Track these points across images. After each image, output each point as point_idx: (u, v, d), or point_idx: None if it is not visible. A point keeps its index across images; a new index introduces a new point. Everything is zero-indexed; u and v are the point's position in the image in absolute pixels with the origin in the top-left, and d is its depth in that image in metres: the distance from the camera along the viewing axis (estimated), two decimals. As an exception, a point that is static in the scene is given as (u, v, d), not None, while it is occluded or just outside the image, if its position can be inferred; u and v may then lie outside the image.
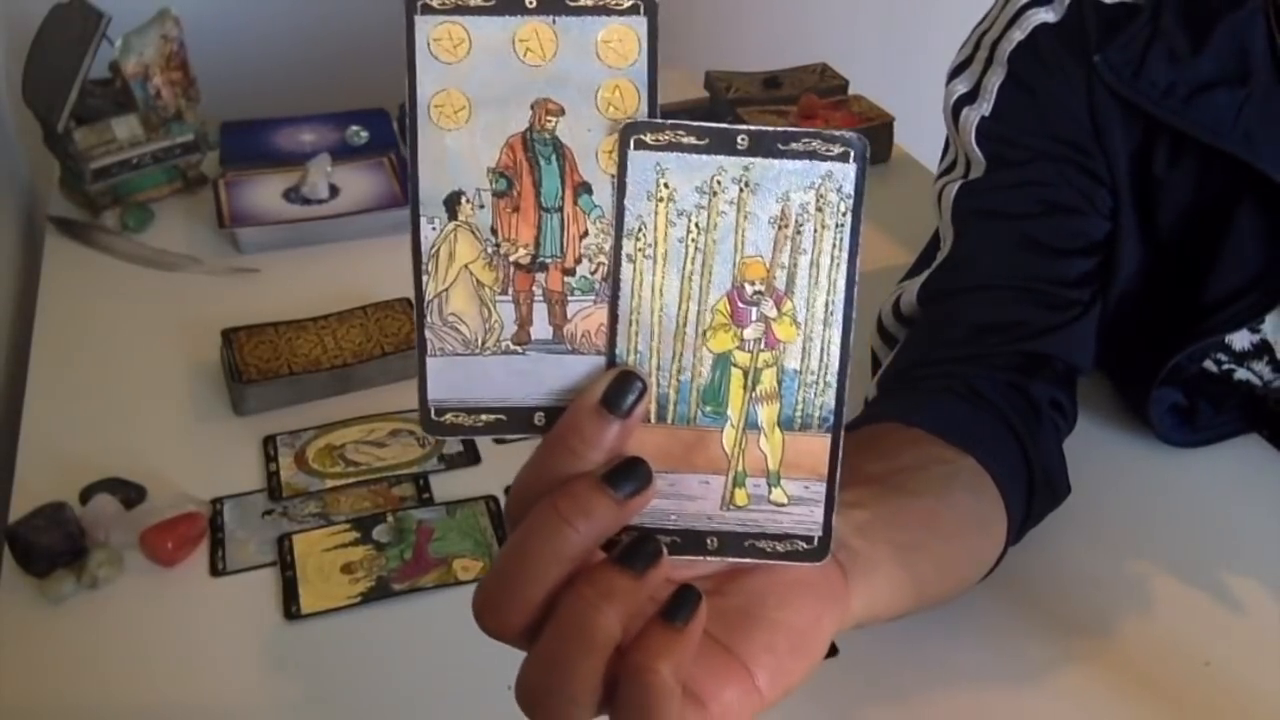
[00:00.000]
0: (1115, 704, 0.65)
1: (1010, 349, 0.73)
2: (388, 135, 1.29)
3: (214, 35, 1.36)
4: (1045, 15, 0.76)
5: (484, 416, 0.41)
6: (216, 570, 0.76)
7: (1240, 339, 0.78)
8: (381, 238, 1.14)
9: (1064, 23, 0.75)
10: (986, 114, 0.77)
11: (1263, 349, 0.77)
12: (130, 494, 0.79)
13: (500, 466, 0.85)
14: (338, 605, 0.73)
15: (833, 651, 0.68)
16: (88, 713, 0.66)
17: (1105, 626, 0.69)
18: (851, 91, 1.38)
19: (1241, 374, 0.80)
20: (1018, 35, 0.76)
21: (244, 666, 0.69)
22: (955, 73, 0.80)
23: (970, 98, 0.78)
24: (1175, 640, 0.69)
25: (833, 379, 0.40)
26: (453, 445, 0.86)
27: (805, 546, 0.42)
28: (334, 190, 1.18)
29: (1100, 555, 0.75)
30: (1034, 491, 0.68)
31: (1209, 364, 0.80)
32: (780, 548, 0.42)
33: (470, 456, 0.86)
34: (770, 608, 0.44)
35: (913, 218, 0.87)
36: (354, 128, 1.28)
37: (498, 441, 0.87)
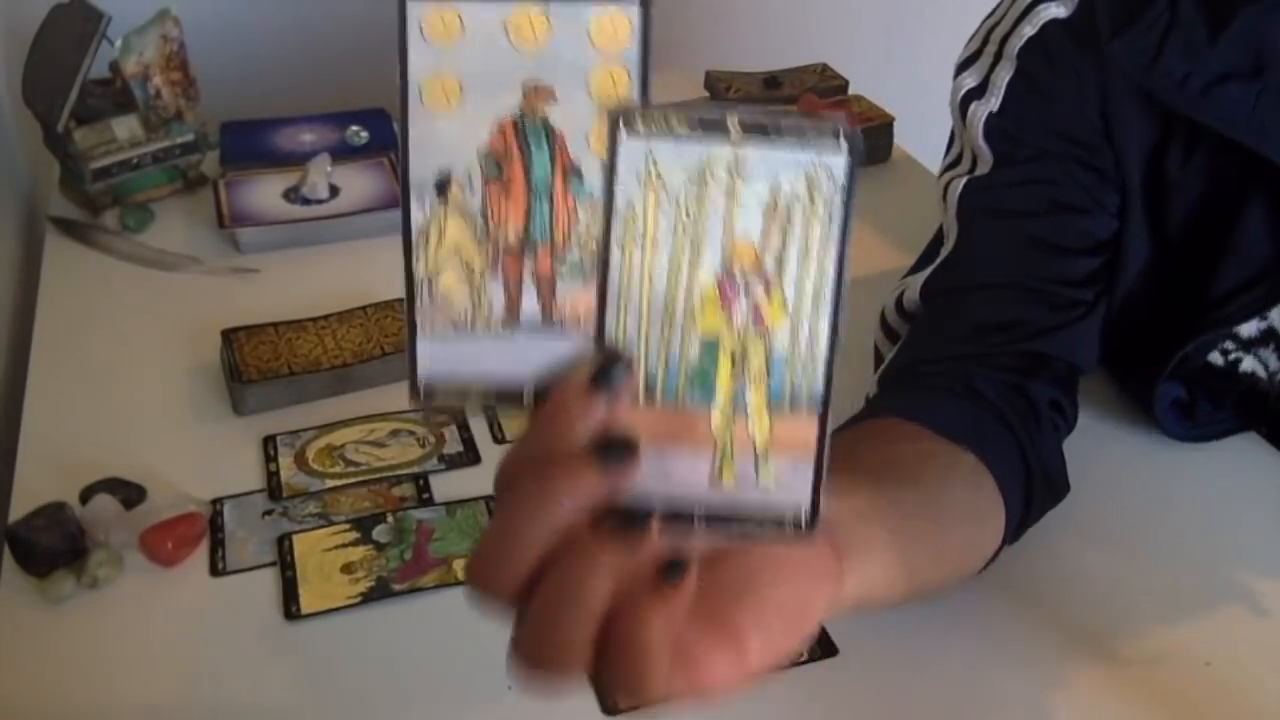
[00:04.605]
0: (1115, 703, 0.65)
1: (1011, 348, 0.73)
2: (388, 135, 1.29)
3: (214, 35, 1.36)
4: (1056, 10, 0.75)
5: (473, 397, 0.41)
6: (216, 570, 0.76)
7: (1248, 326, 0.77)
8: (381, 238, 1.14)
9: (1074, 18, 0.75)
10: (995, 109, 0.77)
11: (1269, 335, 0.77)
12: (130, 494, 0.79)
13: (500, 466, 0.84)
14: (338, 605, 0.73)
15: (833, 651, 0.68)
16: (88, 713, 0.66)
17: (1105, 626, 0.69)
18: (851, 91, 1.38)
19: (1248, 363, 0.80)
20: (1028, 30, 0.76)
21: (244, 666, 0.69)
22: (963, 66, 0.80)
23: (979, 92, 0.78)
24: (1175, 640, 0.69)
25: (821, 362, 0.40)
26: (453, 445, 0.86)
27: (793, 526, 0.42)
28: (334, 190, 1.18)
29: (1100, 554, 0.75)
30: (1032, 490, 0.68)
31: (1215, 356, 0.80)
32: (768, 527, 0.42)
33: (470, 456, 0.85)
34: (763, 585, 0.44)
35: (912, 218, 0.87)
36: (354, 128, 1.28)
37: (498, 441, 0.87)
